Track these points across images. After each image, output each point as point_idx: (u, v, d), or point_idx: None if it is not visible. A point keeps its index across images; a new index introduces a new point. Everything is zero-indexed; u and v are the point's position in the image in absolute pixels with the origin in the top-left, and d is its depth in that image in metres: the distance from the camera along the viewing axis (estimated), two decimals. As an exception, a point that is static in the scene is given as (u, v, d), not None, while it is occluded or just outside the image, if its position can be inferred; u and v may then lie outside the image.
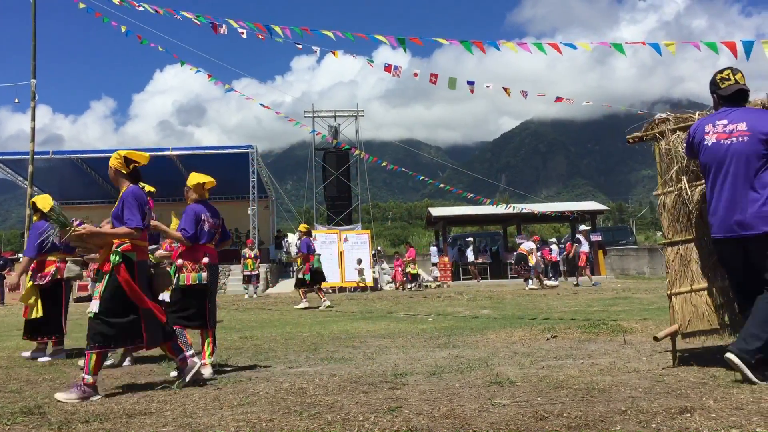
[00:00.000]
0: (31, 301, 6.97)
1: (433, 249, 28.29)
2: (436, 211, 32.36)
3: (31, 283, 6.96)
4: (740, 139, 4.27)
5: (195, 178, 5.92)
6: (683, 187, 4.92)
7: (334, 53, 13.27)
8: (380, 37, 11.33)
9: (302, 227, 15.84)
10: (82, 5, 13.54)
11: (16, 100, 19.50)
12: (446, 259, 26.53)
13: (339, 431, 3.32)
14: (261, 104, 16.10)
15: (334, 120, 31.34)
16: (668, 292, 5.00)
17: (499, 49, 10.03)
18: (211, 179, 5.98)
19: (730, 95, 4.46)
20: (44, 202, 7.18)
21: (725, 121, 4.39)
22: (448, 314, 11.07)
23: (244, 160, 26.46)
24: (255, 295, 20.71)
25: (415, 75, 13.98)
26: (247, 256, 21.16)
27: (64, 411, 4.05)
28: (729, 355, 4.04)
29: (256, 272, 21.21)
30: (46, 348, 7.01)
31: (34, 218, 7.25)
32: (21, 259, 6.93)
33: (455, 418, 3.50)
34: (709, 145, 4.40)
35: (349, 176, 31.33)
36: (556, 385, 4.22)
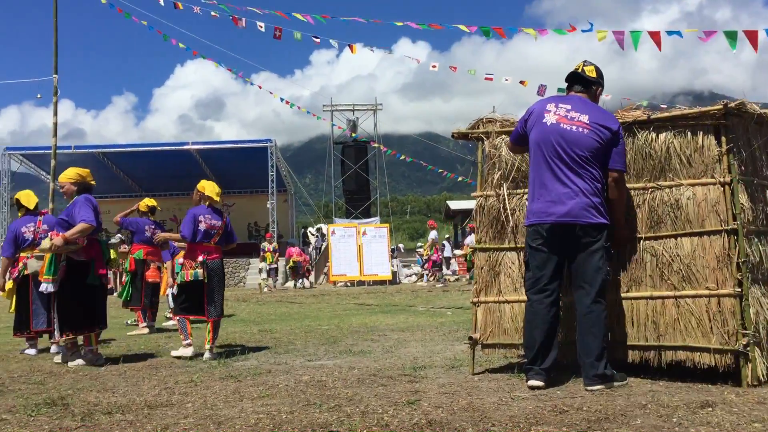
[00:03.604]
0: (5, 296, 7.12)
1: (446, 243, 28.26)
2: (455, 205, 32.31)
3: (11, 281, 7.02)
4: (580, 129, 4.14)
5: (203, 185, 6.53)
6: (503, 194, 4.75)
7: (351, 47, 13.29)
8: (400, 24, 11.33)
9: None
10: (103, 1, 13.64)
11: (39, 96, 19.72)
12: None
13: (358, 424, 3.33)
14: (281, 99, 16.14)
15: (353, 114, 31.37)
16: (473, 299, 4.82)
17: (515, 31, 9.95)
18: (216, 191, 6.52)
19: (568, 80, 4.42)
20: (28, 198, 7.24)
21: (568, 106, 4.27)
22: (467, 307, 11.05)
23: (263, 154, 26.53)
24: (274, 288, 20.81)
25: (434, 66, 13.96)
26: (266, 249, 21.26)
27: (86, 402, 4.10)
28: (593, 388, 3.94)
29: (275, 266, 21.30)
30: (35, 341, 7.02)
31: (19, 213, 7.25)
32: None
33: (474, 411, 3.50)
34: (548, 125, 4.24)
35: (367, 170, 31.36)
36: (576, 379, 4.20)
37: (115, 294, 20.82)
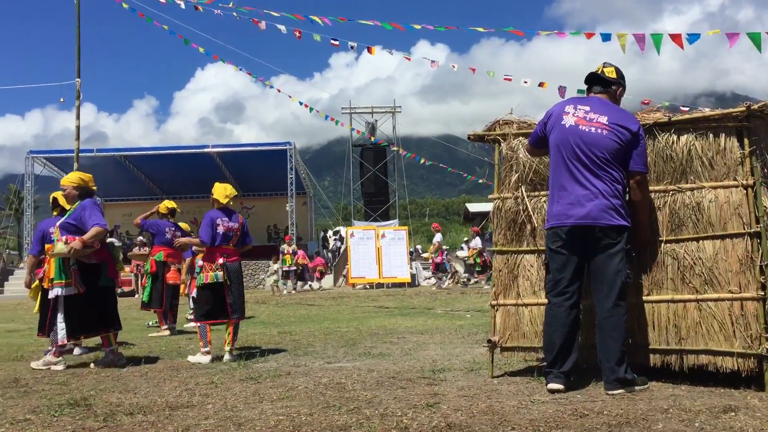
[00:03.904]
0: (31, 295, 7.20)
1: (464, 246, 28.18)
2: (474, 207, 32.21)
3: (37, 281, 7.11)
4: (599, 130, 4.11)
5: (215, 190, 6.52)
6: (521, 197, 4.72)
7: (370, 49, 13.32)
8: (418, 26, 11.33)
9: None
10: (125, 5, 13.78)
11: (62, 99, 19.94)
12: (484, 254, 26.36)
13: (377, 426, 3.34)
14: (300, 102, 16.19)
15: (371, 116, 31.38)
16: (492, 302, 4.79)
17: (534, 33, 9.93)
18: (231, 191, 6.54)
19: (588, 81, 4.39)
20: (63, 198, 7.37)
21: (587, 108, 4.23)
22: (485, 310, 11.02)
23: (282, 157, 26.66)
24: (293, 291, 20.88)
25: (453, 67, 13.95)
26: (286, 251, 21.33)
27: (109, 403, 4.14)
28: (613, 392, 3.91)
29: (294, 268, 21.35)
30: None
31: (54, 213, 7.34)
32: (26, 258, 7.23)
33: (494, 414, 3.49)
34: (567, 126, 4.21)
35: (386, 172, 31.37)
36: (596, 383, 4.18)
37: (137, 296, 21.02)
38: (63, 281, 5.77)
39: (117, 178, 30.16)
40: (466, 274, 22.82)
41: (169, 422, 3.57)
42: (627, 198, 4.20)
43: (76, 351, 6.92)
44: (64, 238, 5.74)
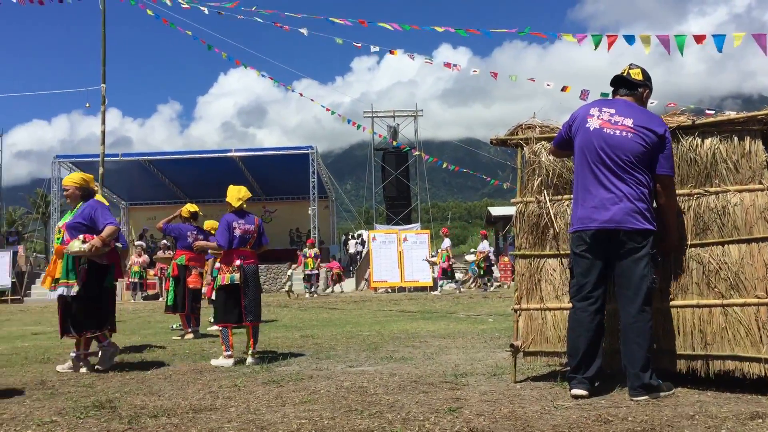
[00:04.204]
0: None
1: (473, 250, 28.09)
2: (496, 211, 32.10)
3: None
4: (624, 133, 4.05)
5: (229, 193, 6.56)
6: (544, 201, 4.68)
7: (392, 52, 13.34)
8: (438, 29, 11.33)
9: None
10: (150, 12, 13.94)
11: (88, 105, 20.26)
12: (506, 258, 26.27)
13: (399, 431, 3.34)
14: (323, 106, 16.26)
15: (393, 120, 31.42)
16: (514, 307, 4.76)
17: (556, 37, 9.89)
18: (245, 194, 6.58)
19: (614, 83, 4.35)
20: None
21: (612, 110, 4.17)
22: (508, 314, 10.97)
23: (304, 161, 26.78)
24: (316, 294, 20.94)
25: (475, 72, 13.92)
26: (308, 255, 21.40)
27: (133, 406, 4.18)
28: (638, 399, 3.86)
29: (316, 271, 21.41)
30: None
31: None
32: None
33: (516, 419, 3.47)
34: (591, 129, 4.16)
35: (408, 176, 31.38)
36: (621, 389, 4.14)
37: (161, 299, 21.22)
38: (71, 280, 5.74)
39: (141, 182, 30.49)
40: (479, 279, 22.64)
41: (193, 425, 3.60)
42: (655, 201, 4.16)
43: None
44: (81, 237, 5.71)
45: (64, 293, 5.74)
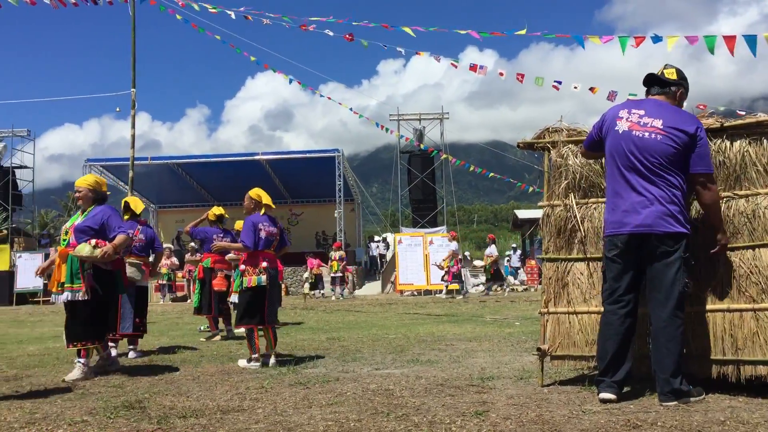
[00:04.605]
0: None
1: (511, 253, 27.89)
2: (523, 214, 31.88)
3: None
4: (653, 135, 3.98)
5: (257, 192, 6.52)
6: (571, 204, 4.63)
7: (419, 53, 13.34)
8: (461, 31, 11.30)
9: None
10: (179, 17, 14.11)
11: (118, 109, 20.59)
12: (533, 262, 26.09)
13: (426, 433, 3.33)
14: (350, 109, 16.32)
15: (419, 123, 31.37)
16: (542, 310, 4.71)
17: (583, 46, 9.83)
18: (268, 201, 6.54)
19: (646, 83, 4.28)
20: (136, 204, 7.62)
21: (642, 112, 4.10)
22: (535, 318, 10.90)
23: (330, 164, 26.87)
24: (342, 297, 20.99)
25: (501, 74, 13.86)
26: (333, 258, 21.46)
27: (162, 406, 4.23)
28: (667, 404, 3.81)
29: (341, 274, 21.45)
30: (116, 344, 7.29)
31: (125, 217, 7.58)
32: None
33: (544, 423, 3.45)
34: (620, 132, 4.09)
35: (434, 179, 31.30)
36: (650, 394, 4.09)
37: (189, 301, 21.40)
38: (75, 285, 5.57)
39: (170, 186, 30.84)
40: (489, 282, 22.43)
41: (221, 426, 3.64)
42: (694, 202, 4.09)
43: (131, 354, 7.09)
44: (93, 242, 5.55)
45: (69, 298, 5.56)
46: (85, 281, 5.57)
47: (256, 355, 6.15)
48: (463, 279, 21.17)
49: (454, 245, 21.16)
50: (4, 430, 3.62)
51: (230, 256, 8.15)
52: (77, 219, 5.81)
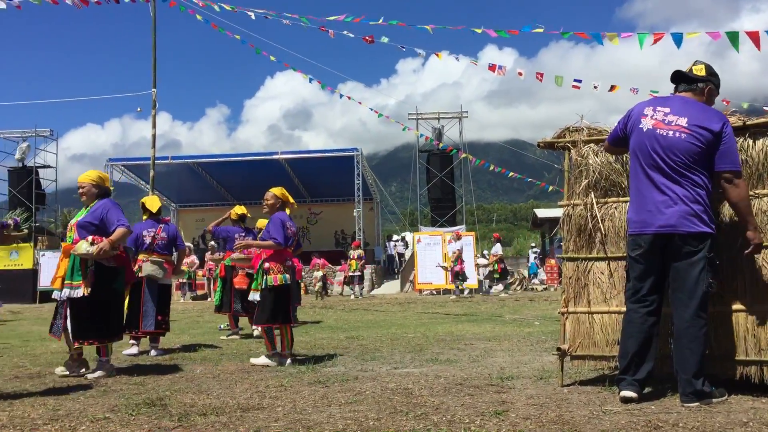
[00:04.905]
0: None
1: (530, 253, 27.76)
2: (542, 213, 31.74)
3: None
4: (677, 134, 3.92)
5: (282, 191, 6.52)
6: (591, 203, 4.59)
7: (437, 54, 13.33)
8: (478, 30, 11.27)
9: None
10: (199, 17, 14.20)
11: (139, 109, 20.73)
12: (553, 261, 25.96)
13: (445, 433, 3.33)
14: (371, 109, 16.36)
15: (438, 122, 31.31)
16: (561, 310, 4.67)
17: (602, 43, 9.75)
18: (293, 201, 6.64)
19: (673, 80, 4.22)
20: (152, 203, 7.71)
21: (667, 110, 4.04)
22: (555, 318, 10.84)
23: (349, 163, 26.91)
24: (360, 296, 21.02)
25: (520, 74, 13.80)
26: (352, 257, 21.50)
27: (183, 404, 4.27)
28: (689, 405, 3.77)
29: (359, 273, 21.48)
30: (137, 342, 7.37)
31: (144, 217, 7.68)
32: None
33: (564, 424, 3.43)
34: (644, 131, 4.04)
35: (453, 178, 31.22)
36: (672, 395, 4.06)
37: (209, 299, 21.54)
38: (75, 282, 5.49)
39: (190, 185, 31.05)
40: (487, 280, 22.32)
41: (240, 423, 3.66)
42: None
43: (153, 352, 7.15)
44: (90, 238, 5.48)
45: (69, 295, 5.49)
46: (85, 278, 5.49)
47: (274, 352, 6.15)
48: (463, 278, 20.95)
49: (458, 244, 21.09)
50: (28, 427, 3.67)
51: (236, 255, 8.05)
52: (81, 215, 5.76)
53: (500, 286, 21.56)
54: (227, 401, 4.31)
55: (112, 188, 5.98)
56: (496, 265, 21.20)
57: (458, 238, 21.60)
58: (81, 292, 5.46)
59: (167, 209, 31.92)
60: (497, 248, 21.79)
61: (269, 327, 6.21)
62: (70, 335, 5.56)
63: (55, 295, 5.61)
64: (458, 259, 20.41)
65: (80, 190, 5.81)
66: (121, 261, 5.77)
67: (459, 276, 20.37)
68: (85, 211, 5.74)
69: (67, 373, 5.66)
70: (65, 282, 5.52)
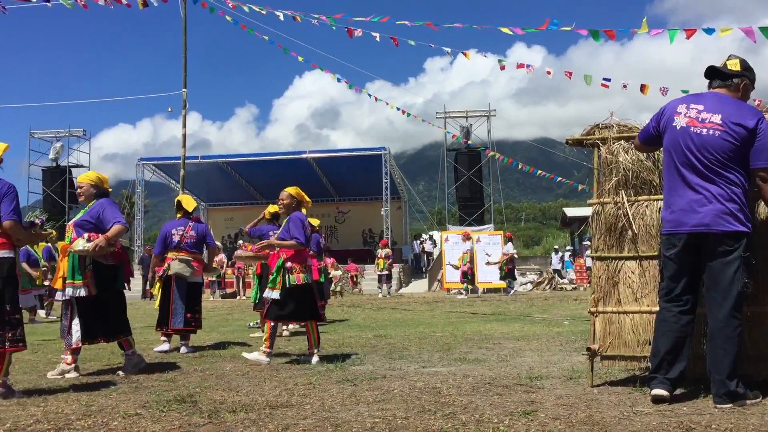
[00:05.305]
0: (155, 293, 7.60)
1: (554, 256, 27.50)
2: (572, 212, 31.47)
3: (159, 278, 7.54)
4: (711, 131, 3.83)
5: (297, 190, 6.56)
6: (622, 202, 4.51)
7: (465, 54, 13.28)
8: (506, 30, 11.19)
9: None
10: (228, 18, 14.32)
11: (170, 109, 20.96)
12: (582, 260, 25.72)
13: (473, 432, 3.32)
14: (398, 108, 16.35)
15: (466, 120, 31.22)
16: (591, 309, 4.59)
17: (627, 32, 9.62)
18: (308, 200, 6.67)
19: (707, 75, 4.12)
20: (188, 202, 7.82)
21: (700, 107, 3.94)
22: (584, 317, 10.74)
23: (377, 162, 26.97)
24: (388, 295, 21.03)
25: (548, 73, 13.70)
26: (380, 256, 21.53)
27: (213, 400, 4.31)
28: (722, 406, 3.69)
29: (387, 272, 21.49)
30: (168, 339, 7.46)
31: (178, 215, 7.79)
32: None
33: (594, 424, 3.40)
34: (677, 128, 3.95)
35: (481, 176, 31.11)
36: (705, 396, 3.99)
37: (239, 297, 21.72)
38: (77, 281, 5.48)
39: (220, 184, 31.36)
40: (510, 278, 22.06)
41: (270, 421, 3.68)
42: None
43: (183, 350, 7.23)
44: (86, 235, 5.47)
45: (72, 294, 5.48)
46: (86, 277, 5.50)
47: (270, 351, 6.11)
48: (471, 279, 20.73)
49: (467, 245, 20.94)
50: (62, 422, 3.73)
51: (239, 252, 7.91)
52: (79, 215, 5.78)
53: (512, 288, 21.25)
54: (256, 398, 4.35)
55: (109, 189, 6.03)
56: (504, 265, 21.04)
57: (468, 238, 21.43)
58: (83, 291, 5.48)
59: (197, 208, 32.25)
60: (509, 247, 21.64)
61: (275, 324, 6.25)
62: (80, 336, 5.49)
63: (58, 295, 5.65)
64: (468, 259, 20.25)
65: (78, 190, 5.90)
66: (119, 258, 5.78)
67: (467, 276, 20.24)
68: (83, 211, 5.79)
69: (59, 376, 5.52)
70: (67, 281, 5.52)
